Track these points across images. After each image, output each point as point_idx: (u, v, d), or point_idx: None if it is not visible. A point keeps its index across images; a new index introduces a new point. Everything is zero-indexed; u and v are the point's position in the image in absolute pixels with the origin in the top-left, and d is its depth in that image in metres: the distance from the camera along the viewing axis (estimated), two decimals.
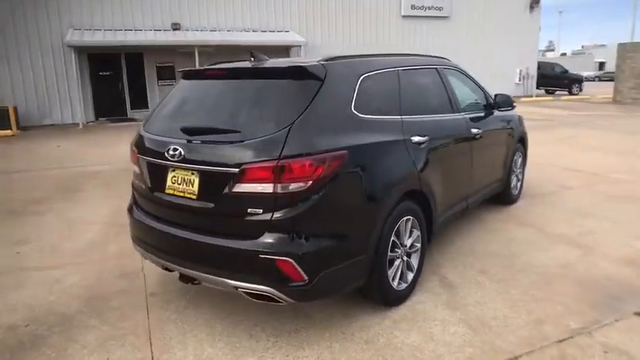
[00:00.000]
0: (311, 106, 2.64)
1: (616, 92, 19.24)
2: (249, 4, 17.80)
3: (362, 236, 2.81)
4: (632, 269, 3.76)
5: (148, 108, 17.47)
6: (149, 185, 3.02)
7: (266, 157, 2.49)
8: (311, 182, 2.51)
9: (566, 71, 25.60)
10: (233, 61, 3.51)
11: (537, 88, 24.16)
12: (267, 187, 2.50)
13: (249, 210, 2.56)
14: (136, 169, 3.16)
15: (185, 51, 16.54)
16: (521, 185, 5.75)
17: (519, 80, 22.06)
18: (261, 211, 2.54)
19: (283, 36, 17.82)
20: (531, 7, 21.64)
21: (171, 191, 2.88)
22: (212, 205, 2.66)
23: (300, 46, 17.38)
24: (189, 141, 2.77)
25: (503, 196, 5.27)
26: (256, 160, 2.51)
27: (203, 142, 2.80)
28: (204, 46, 16.30)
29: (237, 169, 2.54)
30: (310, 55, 18.47)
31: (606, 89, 28.55)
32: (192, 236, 2.76)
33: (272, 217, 2.52)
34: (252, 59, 3.15)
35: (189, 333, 3.00)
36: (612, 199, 5.70)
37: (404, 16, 19.97)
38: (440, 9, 20.33)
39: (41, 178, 7.81)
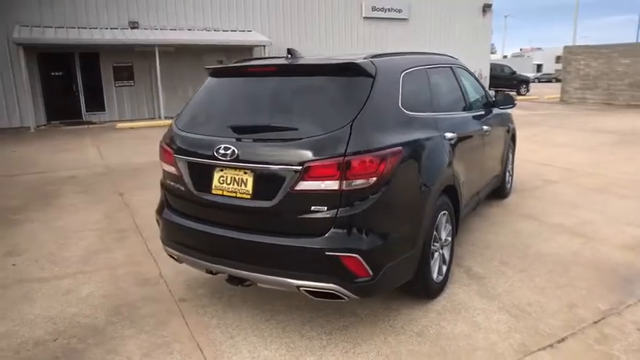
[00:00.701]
0: (368, 103, 2.66)
1: (563, 92, 20.51)
2: (211, 3, 17.45)
3: (414, 231, 2.87)
4: (633, 254, 4.05)
5: (104, 110, 16.73)
6: (190, 186, 2.92)
7: (331, 154, 2.49)
8: (374, 179, 2.53)
9: (514, 72, 26.92)
10: (262, 58, 3.46)
11: (489, 88, 25.26)
12: (332, 184, 2.49)
13: (312, 208, 2.55)
14: (171, 169, 3.05)
15: (145, 50, 15.97)
16: (512, 180, 6.03)
17: None
18: (326, 208, 2.53)
19: (247, 36, 17.61)
20: (484, 11, 22.63)
21: (219, 192, 2.80)
22: (270, 204, 2.62)
23: (265, 46, 17.25)
24: (242, 140, 2.72)
25: (498, 190, 5.50)
26: (321, 157, 2.50)
27: (259, 140, 2.75)
28: (166, 45, 15.82)
29: (300, 167, 2.51)
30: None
31: (548, 90, 30.33)
32: (247, 237, 2.71)
33: (337, 214, 2.52)
34: (289, 56, 3.13)
35: (238, 337, 2.94)
36: (593, 192, 6.09)
37: (365, 18, 20.28)
38: (399, 11, 20.82)
39: (10, 185, 7.30)
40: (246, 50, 17.93)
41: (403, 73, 3.10)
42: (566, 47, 20.42)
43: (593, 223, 4.83)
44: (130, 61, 16.80)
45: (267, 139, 2.72)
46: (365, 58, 2.91)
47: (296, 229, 2.61)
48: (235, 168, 2.73)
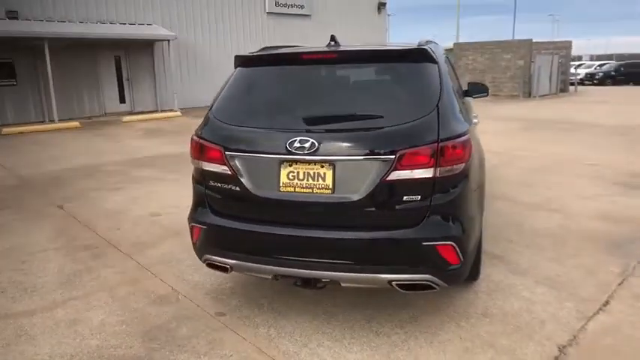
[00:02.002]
0: (442, 89, 2.63)
1: None
2: None
3: (480, 213, 2.92)
4: (606, 223, 4.58)
5: None
6: (250, 185, 2.64)
7: (425, 140, 2.43)
8: (463, 165, 2.52)
9: None
10: (290, 46, 3.23)
11: None
12: (426, 172, 2.43)
13: (404, 198, 2.46)
14: (219, 168, 2.72)
15: (30, 45, 14.02)
16: None
17: None
18: (419, 197, 2.46)
19: (149, 29, 16.35)
20: (379, 9, 23.77)
21: (289, 189, 2.57)
22: (358, 197, 2.47)
23: (168, 40, 16.18)
24: (319, 131, 2.52)
25: None
26: (415, 144, 2.42)
27: (341, 130, 2.57)
28: (54, 39, 14.03)
29: (394, 156, 2.41)
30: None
31: None
32: (330, 234, 2.53)
33: (431, 202, 2.47)
34: (333, 42, 2.98)
35: (311, 344, 2.74)
36: (535, 172, 6.77)
37: (269, 13, 20.04)
38: (301, 7, 20.94)
39: None
40: (147, 46, 16.70)
41: (444, 60, 3.13)
42: (456, 44, 22.33)
43: (558, 200, 5.37)
44: (9, 57, 14.61)
45: (352, 129, 2.56)
46: (421, 45, 2.87)
47: (387, 221, 2.51)
48: (310, 162, 2.52)
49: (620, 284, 3.33)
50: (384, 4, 23.77)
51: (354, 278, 2.57)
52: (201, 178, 2.87)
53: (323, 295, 3.21)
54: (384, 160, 2.43)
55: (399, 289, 2.57)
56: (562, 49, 21.41)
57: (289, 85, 2.87)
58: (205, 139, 2.78)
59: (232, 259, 2.76)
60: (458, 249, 2.50)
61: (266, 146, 2.61)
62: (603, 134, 9.95)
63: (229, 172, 2.69)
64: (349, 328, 2.88)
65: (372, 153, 2.45)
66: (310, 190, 2.54)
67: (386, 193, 2.46)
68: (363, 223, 2.53)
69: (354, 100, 2.72)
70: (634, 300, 3.11)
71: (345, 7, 22.56)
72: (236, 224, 2.73)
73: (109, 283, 3.62)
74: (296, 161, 2.55)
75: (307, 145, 2.48)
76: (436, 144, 2.42)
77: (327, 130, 2.54)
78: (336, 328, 2.89)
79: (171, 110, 16.40)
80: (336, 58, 2.86)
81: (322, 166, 2.52)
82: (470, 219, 2.64)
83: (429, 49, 2.75)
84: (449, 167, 2.46)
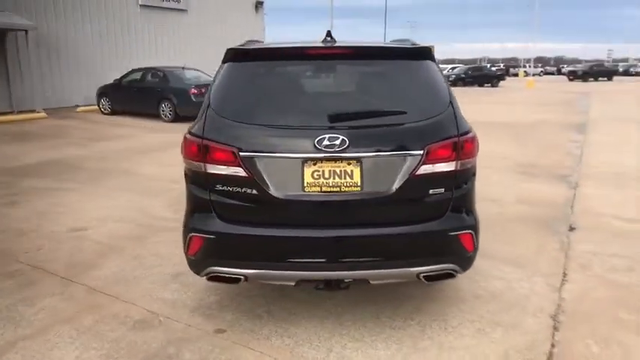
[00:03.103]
0: (448, 85, 2.75)
1: None
2: None
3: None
4: (528, 206, 5.21)
5: None
6: (269, 187, 2.46)
7: (448, 135, 2.52)
8: (474, 159, 2.66)
9: None
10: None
11: None
12: (449, 166, 2.52)
13: (431, 191, 2.52)
14: (232, 171, 2.48)
15: None
16: None
17: None
18: (443, 190, 2.54)
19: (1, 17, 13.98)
20: (256, 8, 23.60)
21: (314, 189, 2.45)
22: (387, 193, 2.46)
23: (26, 31, 14.04)
24: (346, 128, 2.44)
25: None
26: (441, 138, 2.49)
27: (369, 126, 2.51)
28: None
29: (422, 151, 2.45)
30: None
31: None
32: (358, 232, 2.48)
33: (453, 194, 2.57)
34: (329, 38, 2.91)
35: (335, 348, 2.66)
36: None
37: (142, 6, 18.57)
38: (178, 1, 19.85)
39: None
40: None
41: None
42: None
43: (483, 189, 5.92)
44: None
45: (379, 125, 2.52)
46: (413, 44, 2.95)
47: (416, 214, 2.55)
48: (337, 160, 2.44)
49: (566, 257, 3.84)
50: (261, 3, 23.74)
51: (383, 275, 2.56)
52: (203, 182, 2.58)
53: (317, 296, 3.14)
54: (413, 155, 2.46)
55: (424, 280, 2.62)
56: None
57: (300, 82, 2.74)
58: (212, 140, 2.51)
59: (249, 268, 2.54)
60: (474, 237, 2.64)
61: (288, 145, 2.46)
62: (496, 130, 11.02)
63: (245, 175, 2.47)
64: (363, 327, 2.86)
65: (401, 148, 2.46)
66: (338, 189, 2.46)
67: (415, 187, 2.49)
68: (392, 218, 2.53)
69: (372, 96, 2.70)
70: (583, 269, 3.61)
71: (223, 4, 22.01)
72: (252, 230, 2.52)
73: (64, 313, 3.06)
74: (321, 159, 2.44)
75: (337, 142, 2.39)
76: (457, 138, 2.53)
77: (354, 127, 2.48)
78: (351, 328, 2.85)
79: (32, 111, 14.30)
80: (344, 54, 2.81)
81: (349, 164, 2.45)
82: (474, 207, 2.80)
83: (427, 47, 2.84)
84: (466, 160, 2.59)
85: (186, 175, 2.72)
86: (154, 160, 8.03)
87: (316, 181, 2.45)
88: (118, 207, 5.30)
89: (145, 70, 14.24)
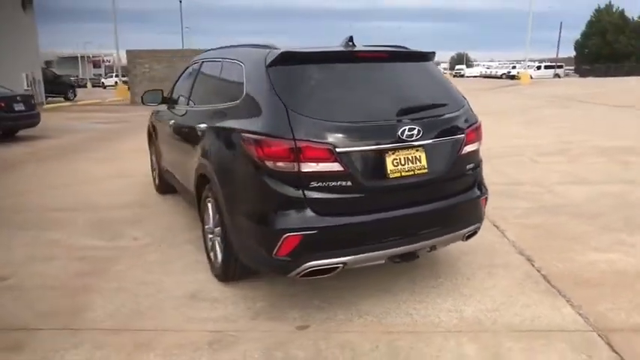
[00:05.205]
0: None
1: (133, 95, 21.53)
2: None
3: None
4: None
5: None
6: (362, 178, 2.72)
7: (474, 120, 3.20)
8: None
9: (60, 76, 25.47)
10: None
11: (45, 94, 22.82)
12: (476, 146, 3.21)
13: (467, 167, 3.16)
14: (330, 167, 2.65)
15: None
16: None
17: (28, 86, 20.25)
18: (473, 165, 3.21)
19: None
20: (24, 6, 19.97)
21: (396, 174, 2.81)
22: (444, 171, 2.98)
23: None
24: (415, 119, 2.86)
25: None
26: (470, 124, 3.14)
27: (433, 116, 2.97)
28: None
29: (464, 135, 3.06)
30: None
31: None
32: (427, 207, 2.94)
33: (476, 169, 3.26)
34: (350, 43, 3.24)
35: (412, 310, 3.04)
36: None
37: None
38: None
39: None
40: None
41: None
42: (129, 51, 21.41)
43: None
44: None
45: (436, 115, 2.99)
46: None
47: (460, 187, 3.15)
48: (409, 147, 2.84)
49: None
50: (30, 1, 20.28)
51: (446, 239, 3.09)
52: (295, 181, 2.64)
53: (346, 280, 3.38)
54: (459, 139, 3.04)
55: (465, 240, 3.25)
56: None
57: (361, 81, 2.99)
58: (305, 140, 2.60)
59: (346, 255, 2.73)
60: (487, 201, 3.40)
61: (376, 138, 2.76)
62: None
63: (341, 169, 2.66)
64: (412, 292, 3.30)
65: (451, 133, 3.02)
66: (412, 173, 2.87)
67: (460, 165, 3.08)
68: (448, 191, 3.07)
69: (419, 92, 3.13)
70: (505, 221, 4.77)
71: None
72: (348, 219, 2.73)
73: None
74: (398, 149, 2.81)
75: (414, 132, 2.81)
76: (477, 124, 3.23)
77: (422, 118, 2.91)
78: (405, 295, 3.24)
79: None
80: (387, 57, 3.19)
81: (417, 150, 2.88)
82: None
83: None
84: (480, 142, 3.31)
85: (266, 177, 2.70)
86: None
87: (396, 167, 2.82)
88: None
89: None
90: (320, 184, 2.67)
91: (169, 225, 4.85)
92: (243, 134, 2.82)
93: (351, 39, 3.24)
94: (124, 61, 29.25)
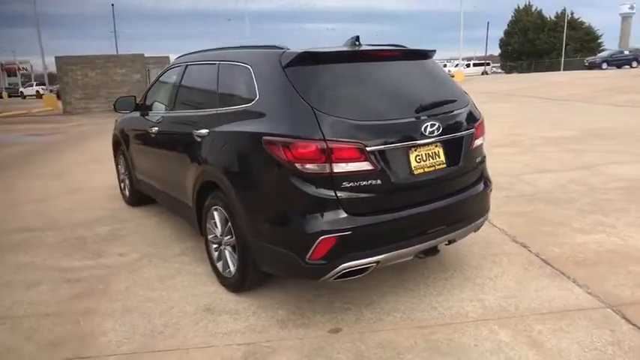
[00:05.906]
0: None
1: (65, 104, 20.21)
2: None
3: None
4: None
5: None
6: (392, 175, 2.74)
7: (479, 116, 3.30)
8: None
9: None
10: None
11: None
12: (482, 140, 3.32)
13: (477, 160, 3.26)
14: (362, 166, 2.64)
15: None
16: None
17: None
18: (480, 159, 3.32)
19: None
20: None
21: (420, 171, 2.85)
22: (460, 165, 3.06)
23: None
24: (434, 115, 2.90)
25: None
26: (476, 119, 3.25)
27: (447, 112, 3.01)
28: None
29: (474, 129, 3.16)
30: None
31: (39, 103, 28.95)
32: (448, 201, 3.01)
33: (482, 162, 3.37)
34: (357, 42, 3.24)
35: (436, 304, 3.10)
36: None
37: None
38: None
39: None
40: None
41: None
42: (59, 58, 19.99)
43: None
44: None
45: (450, 111, 3.04)
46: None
47: (472, 180, 3.24)
48: (430, 144, 2.89)
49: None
50: None
51: (464, 231, 3.17)
52: (327, 182, 2.60)
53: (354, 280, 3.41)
54: (470, 133, 3.13)
55: (477, 231, 3.35)
56: (163, 63, 23.30)
57: (379, 80, 2.99)
58: (337, 140, 2.57)
59: (380, 254, 2.73)
60: (491, 192, 3.53)
61: (401, 135, 2.78)
62: None
63: (371, 168, 2.65)
64: (426, 285, 3.36)
65: (463, 128, 3.11)
66: (433, 168, 2.92)
67: (471, 158, 3.18)
68: (463, 185, 3.15)
69: (430, 89, 3.18)
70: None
71: None
72: (379, 218, 2.73)
73: None
74: (420, 145, 2.85)
75: (435, 128, 2.86)
76: (482, 118, 3.34)
77: (440, 114, 2.95)
78: (421, 289, 3.30)
79: None
80: (399, 55, 3.21)
81: (436, 146, 2.94)
82: None
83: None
84: (484, 136, 3.43)
85: (296, 179, 2.64)
86: None
87: (419, 164, 2.86)
88: None
89: None
90: (351, 184, 2.64)
91: (154, 238, 4.60)
92: (265, 137, 2.74)
93: (357, 39, 3.24)
94: (51, 68, 27.49)
